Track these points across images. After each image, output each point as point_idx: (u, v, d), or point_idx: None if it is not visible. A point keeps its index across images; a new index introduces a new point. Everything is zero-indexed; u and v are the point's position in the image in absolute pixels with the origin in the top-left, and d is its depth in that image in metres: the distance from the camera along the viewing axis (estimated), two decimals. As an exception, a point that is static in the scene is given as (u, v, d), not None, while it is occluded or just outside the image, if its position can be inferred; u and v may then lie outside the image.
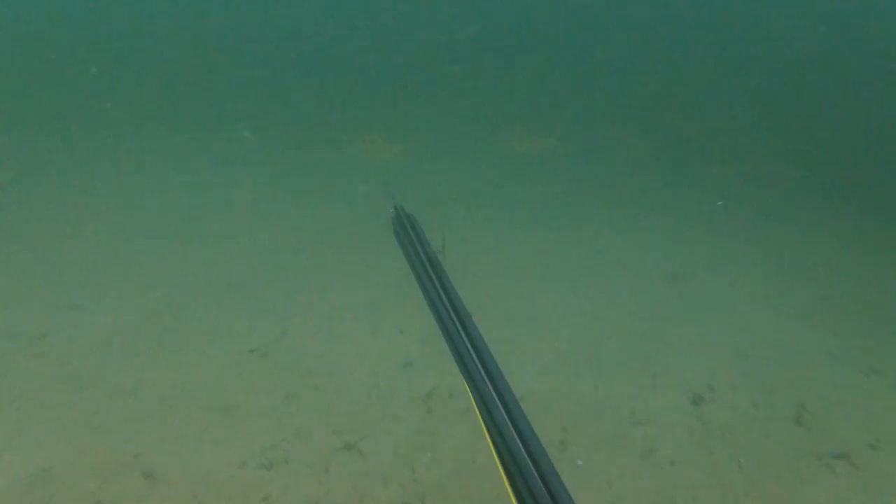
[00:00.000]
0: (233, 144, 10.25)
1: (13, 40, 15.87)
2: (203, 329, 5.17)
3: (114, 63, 14.75)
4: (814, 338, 5.84)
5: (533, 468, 2.13)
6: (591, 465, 4.15)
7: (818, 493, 4.12)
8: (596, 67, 16.82)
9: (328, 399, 4.42)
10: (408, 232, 4.39)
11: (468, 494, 3.90)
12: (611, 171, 10.32)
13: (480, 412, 2.57)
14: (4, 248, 6.40)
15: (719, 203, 9.96)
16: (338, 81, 14.56)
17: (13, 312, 5.32)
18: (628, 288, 6.45)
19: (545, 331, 5.49)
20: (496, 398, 2.42)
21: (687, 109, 13.94)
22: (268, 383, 4.53)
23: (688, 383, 4.97)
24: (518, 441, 2.20)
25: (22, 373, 4.55)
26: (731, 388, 4.97)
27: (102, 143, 9.86)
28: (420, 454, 4.08)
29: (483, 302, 5.85)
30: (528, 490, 2.05)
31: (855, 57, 16.23)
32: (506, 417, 2.24)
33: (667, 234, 8.01)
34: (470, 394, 2.54)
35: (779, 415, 4.72)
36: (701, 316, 6.01)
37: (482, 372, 2.59)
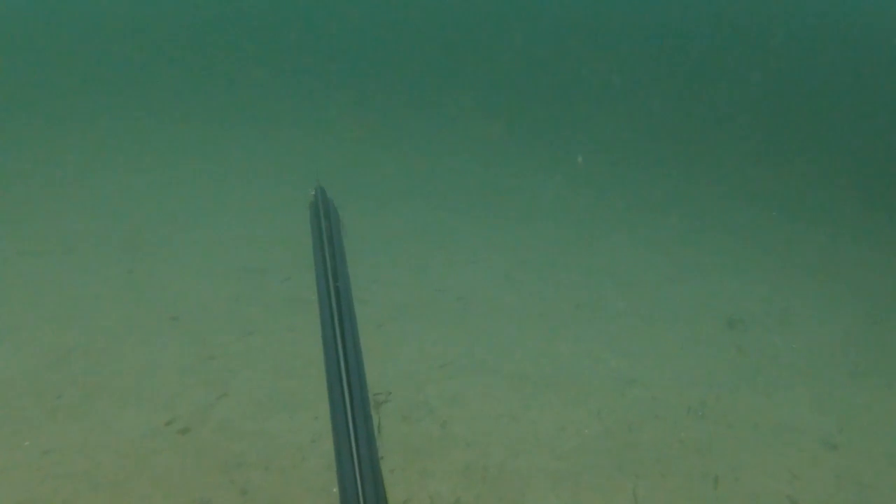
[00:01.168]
0: (206, 139, 8.81)
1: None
2: (119, 385, 3.78)
3: (65, 47, 13.39)
4: (920, 421, 4.27)
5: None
6: None
7: None
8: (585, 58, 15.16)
9: (256, 513, 2.99)
10: (319, 220, 3.59)
11: None
12: (637, 175, 8.73)
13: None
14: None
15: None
16: (305, 75, 13.19)
17: None
18: (672, 338, 4.91)
19: (567, 403, 3.99)
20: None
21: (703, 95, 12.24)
22: (178, 481, 3.12)
23: (761, 494, 3.44)
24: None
25: None
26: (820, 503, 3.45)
27: (41, 131, 8.48)
28: None
29: (483, 353, 4.37)
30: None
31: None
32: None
33: (713, 260, 6.43)
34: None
35: (895, 556, 3.19)
36: (769, 382, 4.46)
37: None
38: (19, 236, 5.51)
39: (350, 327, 3.00)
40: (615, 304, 5.36)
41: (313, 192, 4.00)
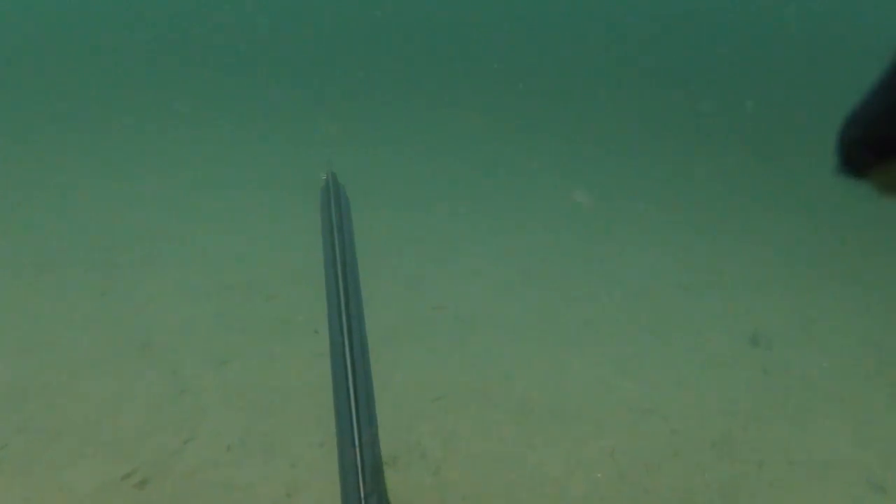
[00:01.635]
0: (186, 146, 8.30)
1: None
2: (75, 428, 3.33)
3: (32, 51, 12.90)
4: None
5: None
6: None
7: None
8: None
9: (214, 592, 2.54)
10: (330, 208, 3.24)
11: None
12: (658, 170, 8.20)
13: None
14: None
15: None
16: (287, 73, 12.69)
17: None
18: (691, 359, 4.42)
19: (576, 440, 3.52)
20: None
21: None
22: (129, 549, 2.68)
23: (802, 550, 2.97)
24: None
25: None
26: (873, 561, 2.96)
27: (11, 140, 8.00)
28: None
29: (483, 381, 3.90)
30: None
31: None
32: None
33: (728, 265, 5.92)
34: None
35: None
36: (800, 409, 3.97)
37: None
38: (-12, 255, 5.09)
39: (358, 330, 2.74)
40: (626, 319, 4.87)
41: (325, 177, 3.73)
